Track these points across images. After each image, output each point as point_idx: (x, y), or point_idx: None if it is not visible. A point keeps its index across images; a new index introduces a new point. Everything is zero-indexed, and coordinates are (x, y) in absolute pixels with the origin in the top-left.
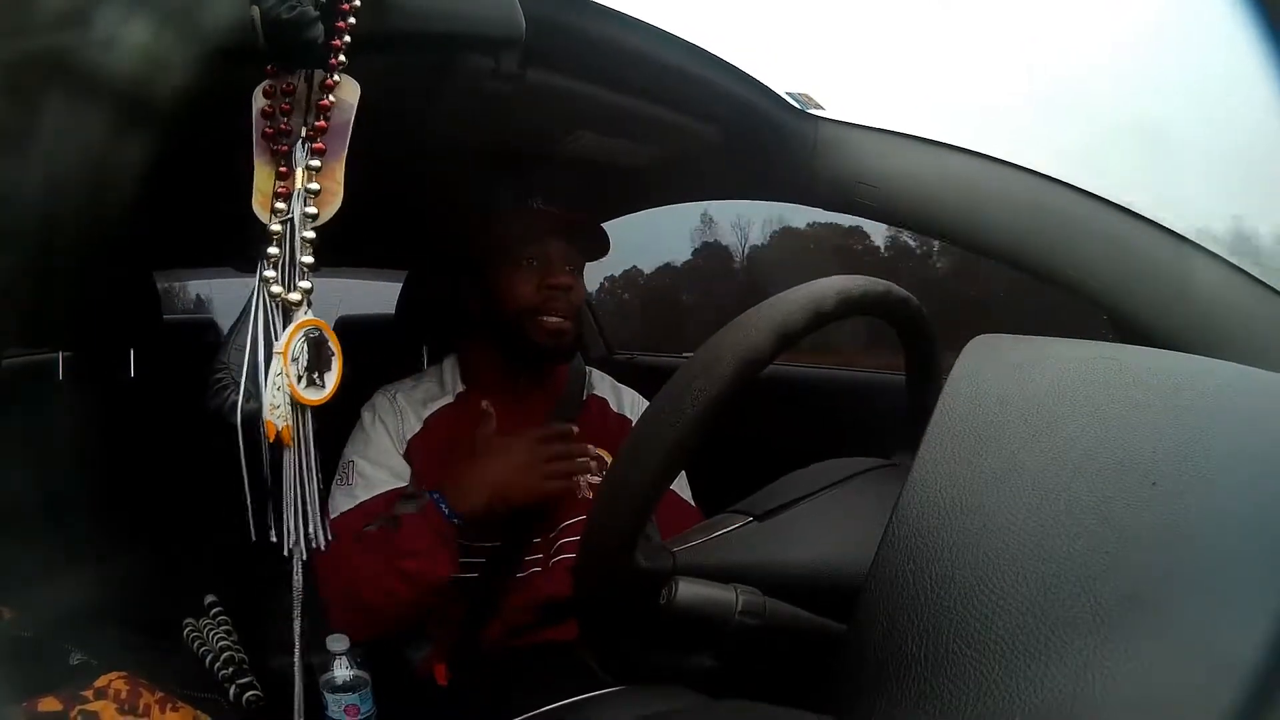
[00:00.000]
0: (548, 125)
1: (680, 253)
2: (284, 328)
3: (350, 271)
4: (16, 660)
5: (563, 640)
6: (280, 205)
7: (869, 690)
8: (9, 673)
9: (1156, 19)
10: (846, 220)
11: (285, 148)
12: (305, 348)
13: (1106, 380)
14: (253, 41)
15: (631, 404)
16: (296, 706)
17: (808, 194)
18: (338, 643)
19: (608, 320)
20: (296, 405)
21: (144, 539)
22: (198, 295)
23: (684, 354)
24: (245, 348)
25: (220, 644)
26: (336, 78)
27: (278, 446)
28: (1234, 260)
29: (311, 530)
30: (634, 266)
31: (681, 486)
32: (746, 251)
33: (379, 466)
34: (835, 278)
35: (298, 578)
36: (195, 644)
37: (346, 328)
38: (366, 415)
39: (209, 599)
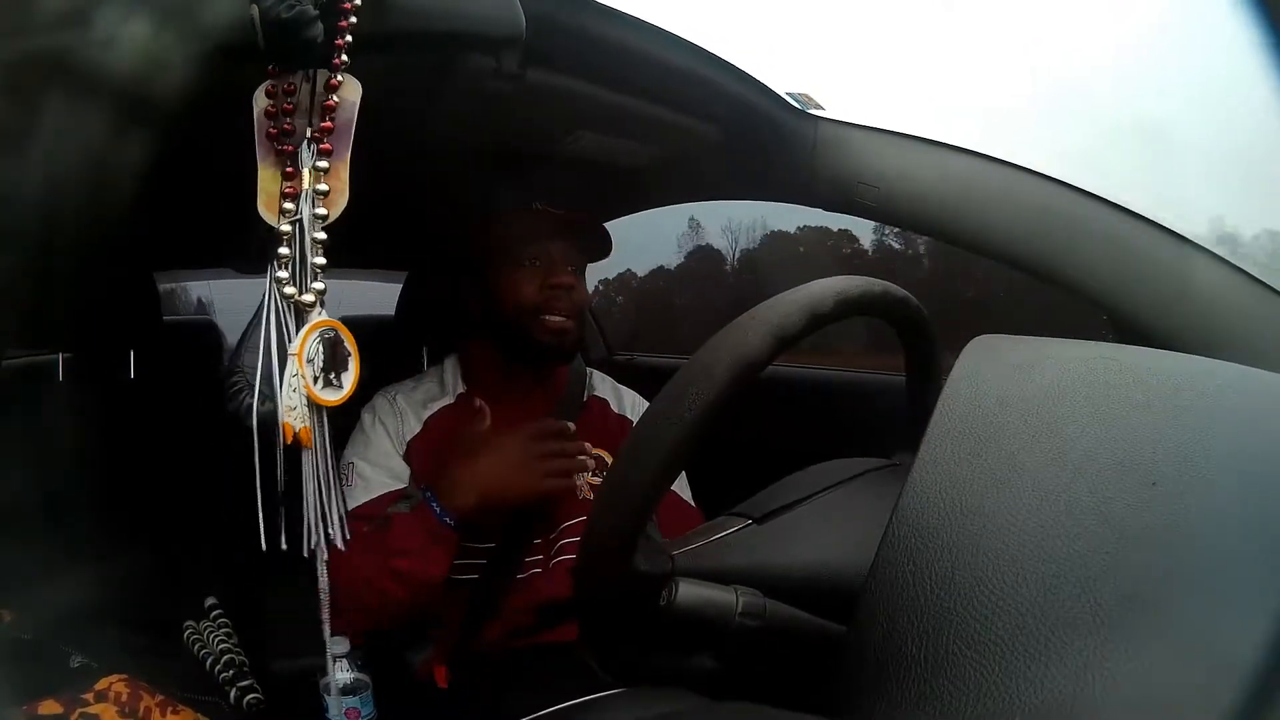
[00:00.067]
0: (548, 125)
1: (674, 256)
2: (297, 329)
3: (350, 272)
4: (17, 662)
5: (563, 641)
6: (288, 206)
7: (869, 691)
8: (9, 675)
9: (1157, 20)
10: (836, 223)
11: (290, 148)
12: (320, 349)
13: (1106, 380)
14: (252, 41)
15: (632, 405)
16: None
17: (808, 194)
18: (338, 645)
19: (603, 323)
20: (314, 406)
21: (144, 540)
22: (198, 297)
23: (683, 355)
24: (259, 350)
25: (220, 646)
26: (340, 78)
27: (295, 448)
28: (1234, 260)
29: (331, 531)
30: (628, 269)
31: (682, 487)
32: (738, 255)
33: (378, 468)
34: (833, 279)
35: (323, 579)
36: (195, 646)
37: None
38: (366, 417)
39: (209, 601)
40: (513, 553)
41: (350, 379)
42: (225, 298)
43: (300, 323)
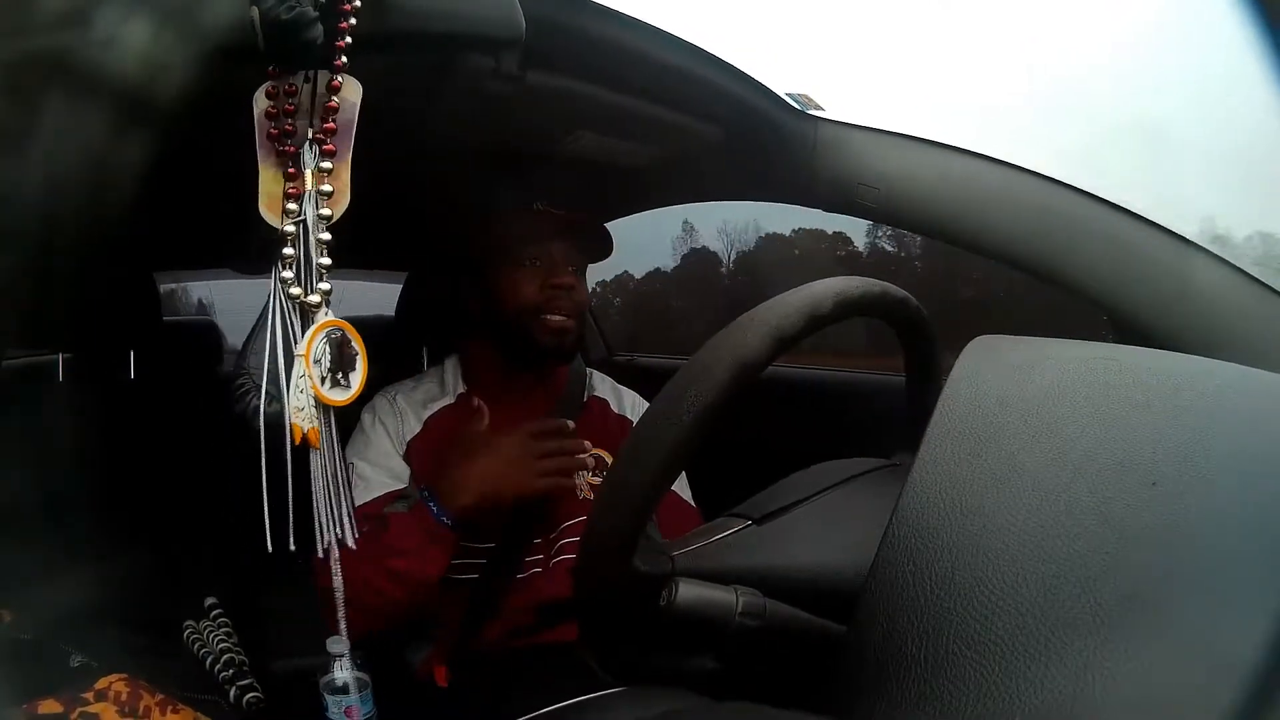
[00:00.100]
0: (548, 125)
1: (670, 258)
2: (303, 330)
3: (350, 272)
4: (17, 662)
5: (563, 641)
6: (291, 206)
7: (869, 691)
8: (9, 674)
9: (1156, 19)
10: (830, 225)
11: (292, 149)
12: (327, 349)
13: (1106, 381)
14: (252, 42)
15: (632, 405)
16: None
17: (808, 195)
18: (338, 644)
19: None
20: (322, 406)
21: (144, 539)
22: (198, 298)
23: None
24: (266, 351)
25: (220, 646)
26: (340, 79)
27: (302, 449)
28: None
29: (339, 531)
30: (625, 271)
31: (682, 487)
32: (733, 257)
33: (378, 468)
34: (832, 279)
35: (338, 578)
36: (195, 646)
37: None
38: (366, 417)
39: (209, 601)
40: (513, 552)
41: (358, 378)
42: (225, 298)
43: (306, 323)
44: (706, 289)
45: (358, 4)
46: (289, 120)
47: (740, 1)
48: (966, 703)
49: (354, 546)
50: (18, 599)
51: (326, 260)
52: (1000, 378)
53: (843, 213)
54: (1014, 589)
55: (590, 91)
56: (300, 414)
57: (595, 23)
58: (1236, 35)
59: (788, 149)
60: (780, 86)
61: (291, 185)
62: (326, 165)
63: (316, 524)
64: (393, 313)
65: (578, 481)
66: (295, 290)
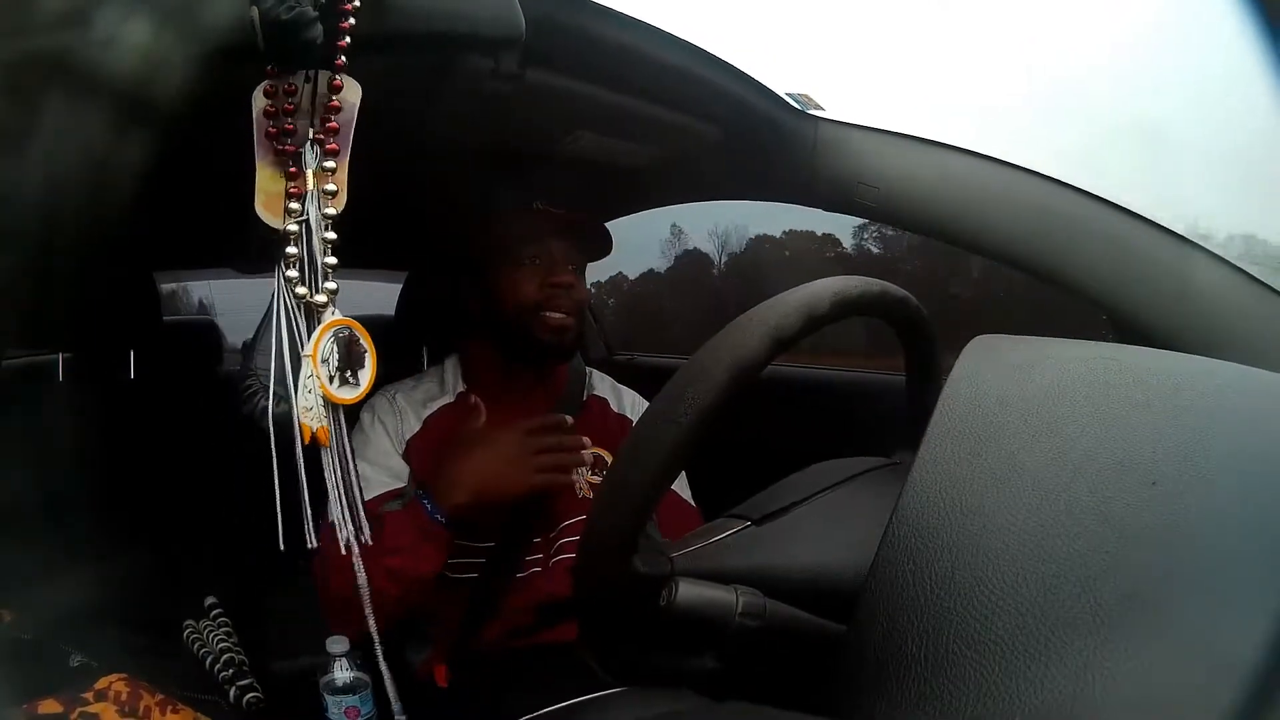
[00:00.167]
0: (548, 125)
1: (663, 260)
2: (309, 329)
3: (350, 272)
4: (17, 662)
5: (563, 641)
6: (294, 206)
7: (869, 691)
8: (9, 674)
9: (1156, 19)
10: (821, 227)
11: (292, 148)
12: (335, 348)
13: (1106, 380)
14: (252, 42)
15: (632, 404)
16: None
17: (808, 194)
18: (337, 644)
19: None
20: (330, 405)
21: (144, 539)
22: (199, 298)
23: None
24: (271, 351)
25: (220, 646)
26: (340, 79)
27: (310, 448)
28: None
29: (352, 527)
30: (620, 272)
31: (682, 487)
32: (724, 259)
33: (378, 468)
34: (831, 279)
35: (361, 575)
36: (195, 646)
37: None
38: (365, 416)
39: (209, 600)
40: (512, 552)
41: (367, 375)
42: (226, 298)
43: (312, 323)
44: (699, 290)
45: (357, 4)
46: (289, 119)
47: (740, 1)
48: (966, 702)
49: (370, 542)
50: (18, 599)
51: (332, 259)
52: (1000, 377)
53: (843, 212)
54: (1014, 589)
55: (590, 91)
56: (309, 413)
57: (595, 22)
58: (1236, 35)
59: (788, 149)
60: (780, 86)
61: (293, 185)
62: (330, 165)
63: (335, 521)
64: (392, 312)
65: (577, 480)
66: (301, 290)
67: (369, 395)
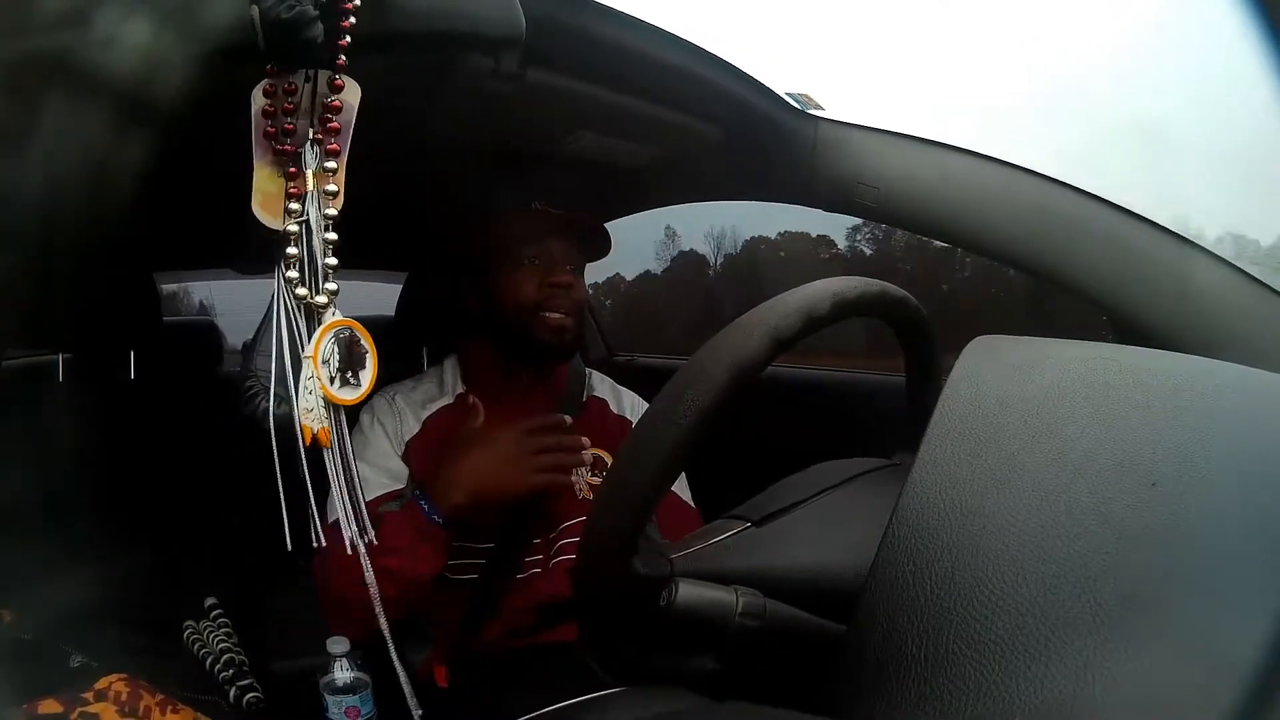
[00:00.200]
0: (548, 125)
1: (661, 261)
2: (309, 330)
3: (349, 272)
4: (17, 662)
5: (563, 641)
6: (294, 206)
7: (869, 691)
8: (9, 674)
9: (1156, 19)
10: (815, 229)
11: (291, 148)
12: (336, 349)
13: (1106, 381)
14: (252, 42)
15: (631, 406)
16: (405, 689)
17: (808, 194)
18: (338, 645)
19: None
20: (331, 406)
21: (144, 539)
22: (199, 299)
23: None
24: (271, 352)
25: (220, 646)
26: (340, 78)
27: (312, 449)
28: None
29: (356, 527)
30: (617, 273)
31: (681, 487)
32: (720, 260)
33: (376, 469)
34: (830, 280)
35: (369, 573)
36: (195, 646)
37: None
38: (365, 418)
39: (209, 601)
40: (512, 552)
41: (368, 376)
42: (226, 299)
43: (312, 324)
44: (696, 291)
45: (358, 3)
46: (288, 119)
47: (740, 1)
48: (966, 703)
49: (375, 541)
50: (18, 599)
51: (333, 260)
52: (1000, 378)
53: (843, 212)
54: (1014, 589)
55: (590, 91)
56: (309, 415)
57: (595, 22)
58: (1236, 35)
59: (788, 149)
60: (780, 86)
61: (292, 185)
62: (331, 165)
63: (338, 522)
64: (393, 313)
65: (577, 481)
66: (301, 291)
67: (368, 397)
